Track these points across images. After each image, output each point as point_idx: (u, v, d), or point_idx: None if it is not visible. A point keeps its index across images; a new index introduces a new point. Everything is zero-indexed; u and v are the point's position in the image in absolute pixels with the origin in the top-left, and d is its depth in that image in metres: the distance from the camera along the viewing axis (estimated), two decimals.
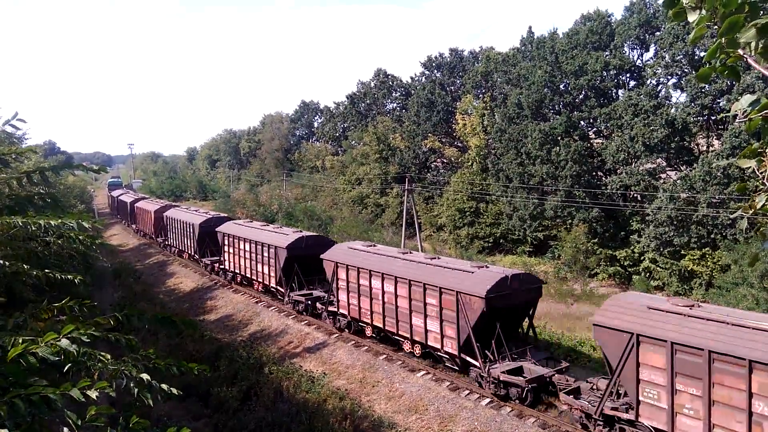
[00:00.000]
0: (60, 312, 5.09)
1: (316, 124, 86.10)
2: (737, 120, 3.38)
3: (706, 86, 31.78)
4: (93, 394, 3.63)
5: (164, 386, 4.43)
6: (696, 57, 33.60)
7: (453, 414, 16.98)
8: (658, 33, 36.84)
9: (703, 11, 3.04)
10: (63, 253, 14.29)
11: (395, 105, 68.77)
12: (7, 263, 5.58)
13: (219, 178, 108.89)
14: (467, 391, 18.05)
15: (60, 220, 5.56)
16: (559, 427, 15.57)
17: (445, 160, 56.45)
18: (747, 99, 3.23)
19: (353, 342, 22.95)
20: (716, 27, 3.03)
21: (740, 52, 3.04)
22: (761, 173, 3.37)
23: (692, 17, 3.11)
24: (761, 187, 3.42)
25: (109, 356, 4.40)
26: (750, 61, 3.04)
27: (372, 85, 70.21)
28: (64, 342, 3.91)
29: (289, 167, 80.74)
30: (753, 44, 2.93)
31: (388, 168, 57.62)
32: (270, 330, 26.16)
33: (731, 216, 28.02)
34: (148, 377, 4.36)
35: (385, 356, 21.27)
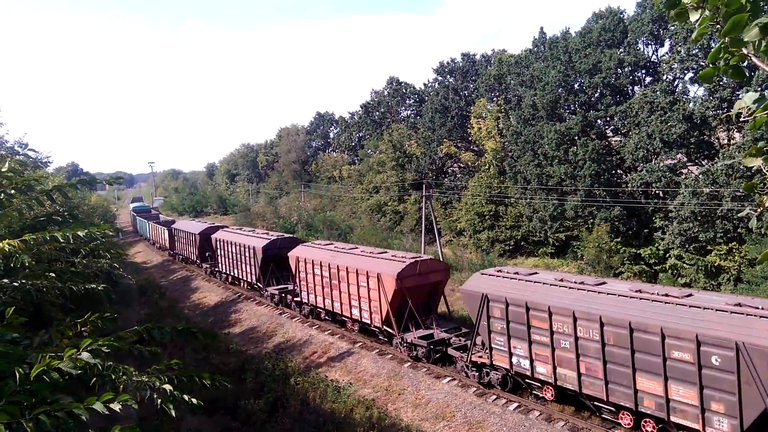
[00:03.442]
0: (83, 326, 5.18)
1: (331, 135, 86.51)
2: (742, 118, 3.32)
3: (724, 79, 31.26)
4: (116, 407, 3.69)
5: (186, 397, 4.51)
6: (712, 49, 33.11)
7: (481, 420, 16.84)
8: (672, 27, 36.41)
9: (706, 11, 3.01)
10: (88, 273, 14.54)
11: (409, 112, 68.84)
12: (30, 283, 5.70)
13: (239, 192, 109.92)
14: (494, 396, 17.91)
15: (86, 231, 5.69)
16: (590, 430, 15.36)
17: (461, 165, 56.26)
18: (750, 97, 3.17)
19: (377, 350, 22.92)
20: (719, 26, 3.00)
21: (744, 51, 3.00)
22: None
23: (694, 17, 3.08)
24: None
25: (132, 369, 4.47)
26: (754, 59, 3.01)
27: (385, 93, 70.42)
28: (85, 355, 4.01)
29: (306, 179, 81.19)
30: (756, 43, 2.90)
31: (405, 175, 57.62)
32: (294, 341, 26.27)
33: (741, 214, 27.48)
34: (171, 388, 4.45)
35: (409, 363, 21.21)
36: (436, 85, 60.81)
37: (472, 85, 56.82)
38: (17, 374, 3.79)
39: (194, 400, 4.58)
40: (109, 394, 3.78)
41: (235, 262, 35.12)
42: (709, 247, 31.63)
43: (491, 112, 49.37)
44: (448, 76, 59.27)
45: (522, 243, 45.17)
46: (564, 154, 38.30)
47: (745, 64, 3.19)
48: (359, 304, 23.48)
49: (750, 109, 3.17)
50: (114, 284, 29.35)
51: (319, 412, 18.22)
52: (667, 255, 34.73)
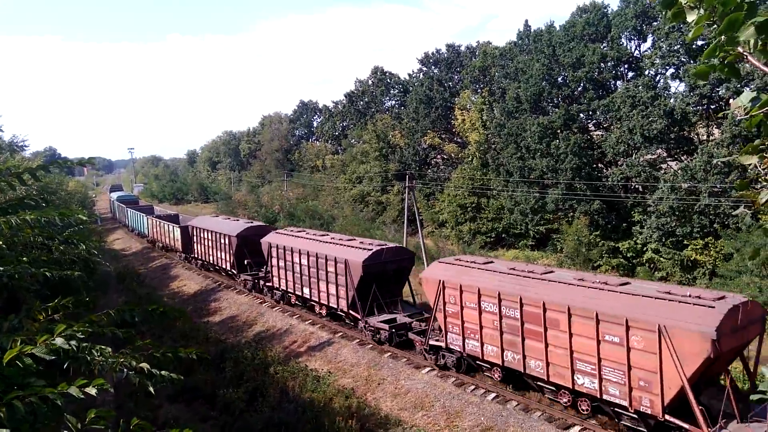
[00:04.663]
0: (54, 311, 5.13)
1: (315, 124, 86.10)
2: (738, 117, 3.38)
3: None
4: (92, 391, 3.66)
5: (164, 372, 4.51)
6: (694, 46, 33.51)
7: (459, 409, 17.00)
8: (655, 23, 36.75)
9: (702, 10, 3.04)
10: (65, 260, 14.32)
11: (394, 102, 68.74)
12: (2, 268, 5.61)
13: (220, 180, 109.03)
14: (472, 386, 18.07)
15: (58, 213, 5.59)
16: (565, 420, 15.58)
17: (445, 156, 56.43)
18: (747, 95, 3.21)
19: (357, 340, 22.96)
20: (715, 25, 3.03)
21: (740, 49, 3.03)
22: (764, 169, 3.38)
23: (691, 17, 3.10)
24: (764, 183, 3.43)
25: (109, 349, 4.45)
26: (750, 58, 3.04)
27: (370, 83, 70.19)
28: (59, 341, 3.96)
29: (289, 167, 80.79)
30: (752, 42, 2.92)
31: (388, 165, 57.62)
32: (274, 330, 26.21)
33: (734, 212, 28.03)
34: (148, 366, 4.43)
35: (389, 353, 21.30)
36: (421, 75, 60.77)
37: (456, 77, 56.88)
38: None
39: (173, 375, 4.58)
40: (83, 379, 3.74)
41: (306, 278, 26.09)
42: (685, 242, 32.19)
43: (475, 103, 49.49)
44: (433, 67, 59.23)
45: (503, 235, 45.53)
46: (546, 148, 38.59)
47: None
48: (626, 375, 13.87)
49: (746, 108, 3.22)
50: (92, 271, 28.95)
51: (298, 401, 18.24)
52: (645, 249, 35.27)
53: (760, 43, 2.92)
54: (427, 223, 51.76)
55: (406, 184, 44.48)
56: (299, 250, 26.35)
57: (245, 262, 33.07)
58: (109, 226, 73.74)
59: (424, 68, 60.59)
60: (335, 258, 23.90)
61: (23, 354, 3.82)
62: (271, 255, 28.65)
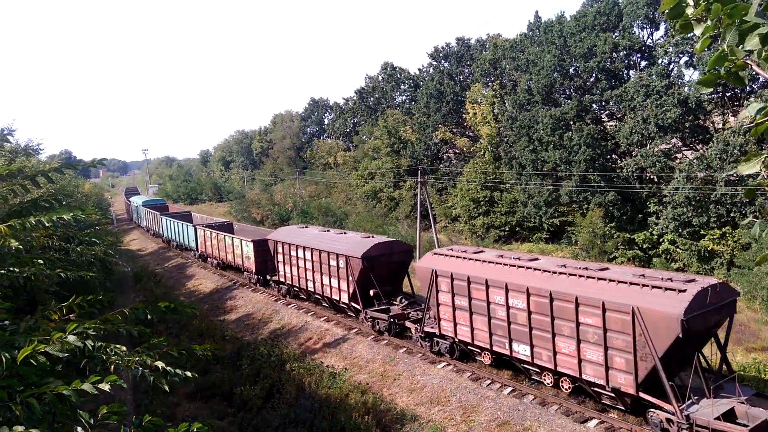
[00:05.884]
0: (69, 311, 5.20)
1: (326, 121, 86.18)
2: (744, 126, 3.41)
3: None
4: (105, 387, 3.71)
5: (178, 371, 4.57)
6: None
7: (475, 404, 16.97)
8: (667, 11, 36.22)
9: (708, 21, 3.08)
10: (82, 261, 14.52)
11: (404, 98, 68.51)
12: (17, 270, 5.69)
13: (233, 179, 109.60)
14: (489, 381, 18.01)
15: (72, 214, 5.66)
16: (583, 413, 15.50)
17: (456, 151, 56.19)
18: (754, 106, 3.26)
19: (372, 336, 22.99)
20: (721, 34, 3.08)
21: (746, 59, 3.07)
22: None
23: (698, 30, 3.17)
24: None
25: (124, 348, 4.51)
26: (755, 68, 3.07)
27: (380, 78, 70.06)
28: (72, 338, 4.01)
29: (301, 165, 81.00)
30: (757, 51, 2.96)
31: (400, 161, 57.53)
32: (290, 327, 26.34)
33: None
34: (163, 364, 4.50)
35: (405, 349, 21.31)
36: (431, 70, 60.51)
37: (467, 70, 56.56)
38: (4, 359, 3.79)
39: (188, 373, 4.63)
40: (95, 376, 3.78)
41: (518, 329, 17.08)
42: (702, 232, 31.78)
43: (486, 97, 49.20)
44: (443, 61, 58.96)
45: (517, 229, 45.31)
46: (559, 139, 38.27)
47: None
48: None
49: (752, 117, 3.25)
50: (109, 272, 29.28)
51: (314, 398, 18.34)
52: (661, 240, 34.89)
53: (764, 52, 2.95)
54: (440, 218, 51.66)
55: (419, 180, 44.38)
56: (506, 285, 17.16)
57: (371, 292, 24.23)
58: (125, 227, 74.52)
59: (434, 62, 60.35)
60: (603, 303, 14.42)
61: (36, 352, 3.88)
62: (439, 289, 19.81)
